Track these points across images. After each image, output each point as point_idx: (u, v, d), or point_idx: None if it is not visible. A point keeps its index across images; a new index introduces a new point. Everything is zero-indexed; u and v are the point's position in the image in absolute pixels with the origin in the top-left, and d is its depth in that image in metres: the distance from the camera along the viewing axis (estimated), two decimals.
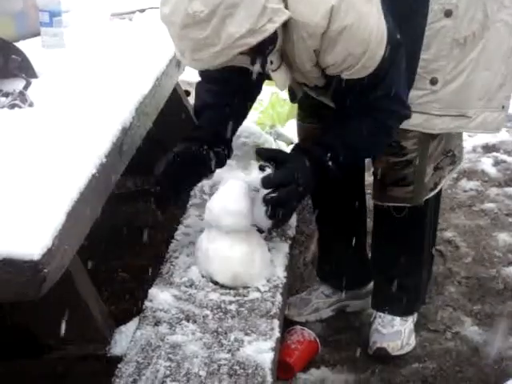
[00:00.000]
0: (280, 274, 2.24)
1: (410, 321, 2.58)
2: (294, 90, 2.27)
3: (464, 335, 2.63)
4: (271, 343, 1.97)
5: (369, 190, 2.60)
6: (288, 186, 2.07)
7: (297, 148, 2.21)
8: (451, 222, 3.34)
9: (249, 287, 2.17)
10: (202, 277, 2.21)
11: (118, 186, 2.53)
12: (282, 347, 2.33)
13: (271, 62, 2.02)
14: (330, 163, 2.10)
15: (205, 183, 2.73)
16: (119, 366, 1.88)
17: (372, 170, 2.42)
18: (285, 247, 2.36)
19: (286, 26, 1.92)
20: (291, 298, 2.71)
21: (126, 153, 2.09)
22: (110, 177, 1.96)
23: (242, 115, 2.38)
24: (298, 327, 2.54)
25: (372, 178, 2.42)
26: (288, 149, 2.95)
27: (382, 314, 2.56)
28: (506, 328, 2.65)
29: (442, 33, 2.17)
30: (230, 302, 2.12)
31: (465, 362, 2.50)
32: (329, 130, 2.17)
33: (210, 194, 2.40)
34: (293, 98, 2.38)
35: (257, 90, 2.37)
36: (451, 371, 2.47)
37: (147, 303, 2.10)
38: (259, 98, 3.16)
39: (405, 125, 2.18)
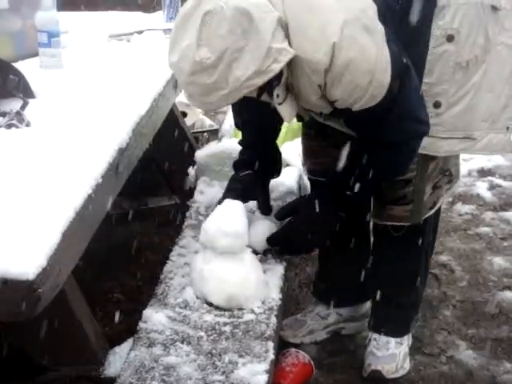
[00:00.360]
0: (275, 295, 2.24)
1: (405, 344, 2.58)
2: (301, 114, 2.29)
3: (459, 359, 2.62)
4: (265, 365, 1.97)
5: None
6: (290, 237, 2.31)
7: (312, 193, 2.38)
8: (446, 245, 3.34)
9: (243, 309, 2.17)
10: (197, 298, 2.20)
11: (114, 207, 2.54)
12: (276, 369, 2.32)
13: (277, 96, 2.04)
14: (349, 193, 2.20)
15: (200, 204, 2.74)
16: None
17: None
18: (280, 269, 2.36)
19: (290, 61, 1.95)
20: (286, 319, 2.71)
21: (122, 173, 2.10)
22: (106, 197, 1.96)
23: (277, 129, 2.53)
24: (293, 350, 2.53)
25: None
26: (284, 171, 2.95)
27: (377, 337, 2.56)
28: (501, 352, 2.65)
29: (445, 57, 2.19)
30: (225, 324, 2.11)
31: None
32: (348, 165, 2.21)
33: (206, 215, 2.40)
34: (299, 119, 2.41)
35: None
36: None
37: (141, 324, 2.10)
38: None
39: None
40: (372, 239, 2.57)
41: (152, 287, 2.27)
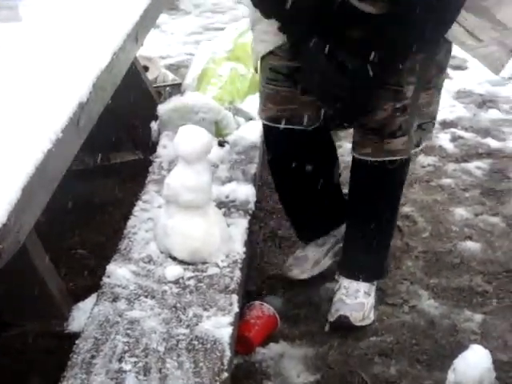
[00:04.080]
0: (239, 249, 2.25)
1: (372, 295, 2.61)
2: None
3: (421, 308, 2.66)
4: (230, 318, 1.99)
5: None
6: None
7: None
8: (409, 197, 3.36)
9: (207, 263, 2.18)
10: (161, 252, 2.21)
11: (76, 163, 2.52)
12: (241, 322, 2.34)
13: None
14: None
15: (163, 159, 2.73)
16: (77, 342, 1.87)
17: (358, 129, 2.42)
18: (244, 223, 2.37)
19: None
20: (287, 261, 2.74)
21: (83, 128, 2.07)
22: (66, 152, 1.95)
23: None
24: (257, 302, 2.55)
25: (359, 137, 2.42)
26: (247, 125, 2.95)
27: (346, 285, 2.58)
28: (462, 301, 2.69)
29: None
30: (189, 278, 2.13)
31: (421, 335, 2.53)
32: None
33: (169, 170, 2.39)
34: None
35: None
36: (408, 344, 2.50)
37: (105, 279, 2.10)
38: (218, 73, 3.16)
39: None
40: (353, 181, 2.55)
41: (116, 243, 2.27)
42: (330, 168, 2.66)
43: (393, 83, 2.30)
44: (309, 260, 2.73)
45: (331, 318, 2.55)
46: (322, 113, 2.39)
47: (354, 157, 2.47)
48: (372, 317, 2.59)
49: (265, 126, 2.50)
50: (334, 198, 2.70)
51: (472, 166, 3.63)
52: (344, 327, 2.53)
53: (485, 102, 4.30)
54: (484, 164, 3.64)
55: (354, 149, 2.45)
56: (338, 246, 2.76)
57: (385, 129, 2.36)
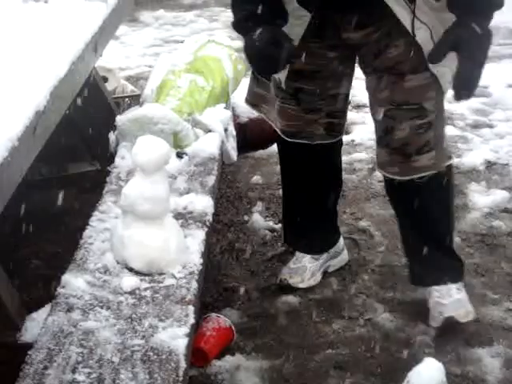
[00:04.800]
0: (196, 260, 2.24)
1: (464, 290, 2.64)
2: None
3: (376, 322, 2.68)
4: (186, 329, 1.97)
5: None
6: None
7: None
8: (366, 211, 3.39)
9: (164, 273, 2.17)
10: (117, 263, 2.19)
11: (33, 173, 2.50)
12: (197, 334, 2.33)
13: None
14: None
15: (121, 169, 2.71)
16: (29, 352, 1.85)
17: (382, 149, 2.46)
18: (201, 234, 2.37)
19: None
20: (284, 269, 2.82)
21: (39, 137, 2.05)
22: (22, 161, 1.92)
23: None
24: (214, 314, 2.55)
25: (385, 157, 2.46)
26: (206, 137, 2.94)
27: (437, 288, 2.61)
28: (416, 314, 2.71)
29: None
30: (145, 289, 2.11)
31: (376, 348, 2.55)
32: None
33: (127, 181, 2.38)
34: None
35: None
36: (363, 357, 2.51)
37: (60, 290, 2.07)
38: (177, 85, 3.16)
39: None
40: (395, 203, 2.65)
41: (72, 253, 2.25)
42: (330, 189, 2.75)
43: (410, 102, 2.33)
44: (307, 271, 2.80)
45: (436, 324, 2.59)
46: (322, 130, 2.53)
47: (384, 176, 2.54)
48: (472, 311, 2.61)
49: (278, 137, 2.65)
50: (327, 220, 2.82)
51: None
52: (452, 328, 2.56)
53: None
54: None
55: (381, 168, 2.49)
56: (327, 264, 2.86)
57: (407, 147, 2.38)
